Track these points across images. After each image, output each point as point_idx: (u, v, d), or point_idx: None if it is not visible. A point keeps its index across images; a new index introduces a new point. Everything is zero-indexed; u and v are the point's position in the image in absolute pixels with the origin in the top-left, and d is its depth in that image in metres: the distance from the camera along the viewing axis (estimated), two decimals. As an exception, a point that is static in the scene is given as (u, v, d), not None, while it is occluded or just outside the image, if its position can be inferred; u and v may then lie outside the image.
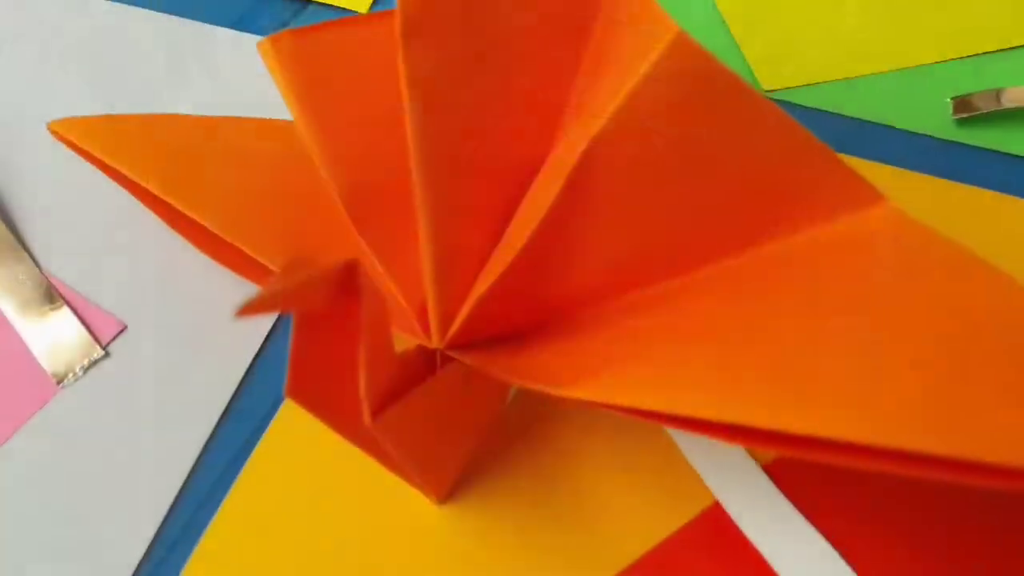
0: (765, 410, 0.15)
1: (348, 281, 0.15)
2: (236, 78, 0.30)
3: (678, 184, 0.17)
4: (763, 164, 0.18)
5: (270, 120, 0.25)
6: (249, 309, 0.14)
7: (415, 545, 0.21)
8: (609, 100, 0.16)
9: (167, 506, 0.21)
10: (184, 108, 0.28)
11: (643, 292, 0.18)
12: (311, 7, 0.32)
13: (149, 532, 0.21)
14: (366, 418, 0.16)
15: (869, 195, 0.18)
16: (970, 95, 0.29)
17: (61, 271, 0.25)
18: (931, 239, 0.17)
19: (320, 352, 0.16)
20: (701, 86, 0.16)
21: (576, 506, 0.20)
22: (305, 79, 0.20)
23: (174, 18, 0.32)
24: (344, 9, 0.32)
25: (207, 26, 0.32)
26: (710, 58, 0.16)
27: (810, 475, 0.21)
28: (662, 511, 0.20)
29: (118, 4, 0.32)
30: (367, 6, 0.32)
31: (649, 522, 0.20)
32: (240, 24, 0.32)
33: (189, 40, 0.31)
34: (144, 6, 0.32)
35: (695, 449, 0.21)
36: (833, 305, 0.17)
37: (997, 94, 0.29)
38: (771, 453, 0.21)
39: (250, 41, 0.31)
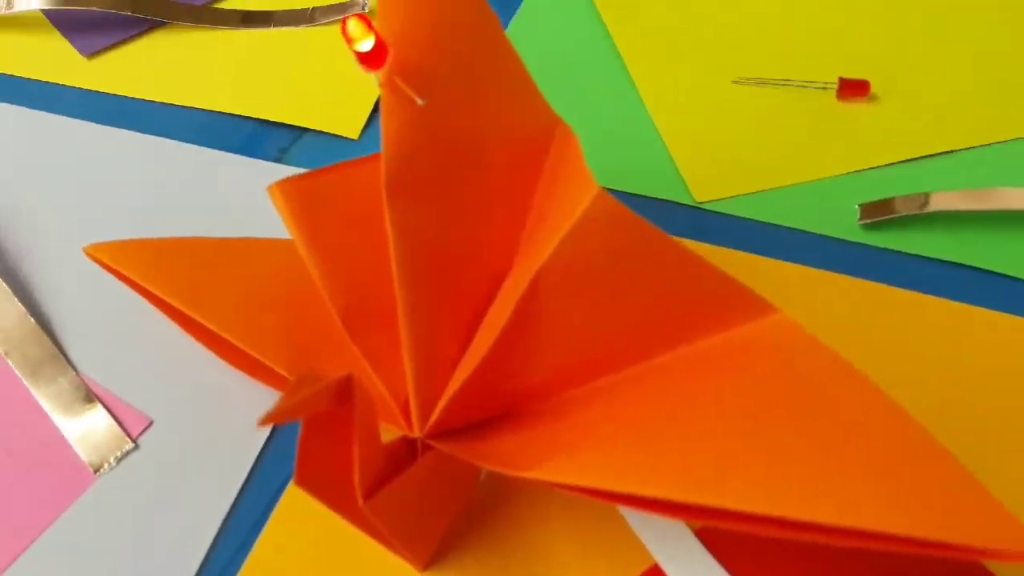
0: (679, 487, 0.20)
1: (345, 392, 0.20)
2: (243, 198, 0.34)
3: (606, 306, 0.22)
4: (671, 288, 0.22)
5: (276, 240, 0.29)
6: (269, 420, 0.18)
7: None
8: (549, 241, 0.21)
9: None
10: (197, 226, 0.33)
11: (582, 389, 0.23)
12: (308, 134, 0.37)
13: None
14: (359, 501, 0.20)
15: (762, 307, 0.23)
16: (892, 199, 0.34)
17: (95, 373, 0.29)
18: (812, 345, 0.22)
19: (322, 448, 0.20)
20: (618, 231, 0.21)
21: (534, 571, 0.24)
22: (308, 218, 0.25)
23: (187, 145, 0.37)
24: (338, 136, 0.37)
25: (217, 152, 0.37)
26: (624, 209, 0.21)
27: (736, 538, 0.25)
28: (607, 573, 0.24)
29: (136, 133, 0.37)
30: (358, 132, 0.37)
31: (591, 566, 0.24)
32: (245, 150, 0.37)
33: (201, 165, 0.36)
34: (160, 135, 0.37)
35: (635, 517, 0.25)
36: (729, 400, 0.21)
37: (924, 198, 0.33)
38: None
39: (256, 165, 0.36)
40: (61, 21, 0.42)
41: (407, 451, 0.23)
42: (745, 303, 0.22)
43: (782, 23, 0.40)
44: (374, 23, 0.21)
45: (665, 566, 0.24)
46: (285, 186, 0.25)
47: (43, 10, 0.41)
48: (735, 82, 0.38)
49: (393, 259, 0.22)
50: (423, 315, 0.23)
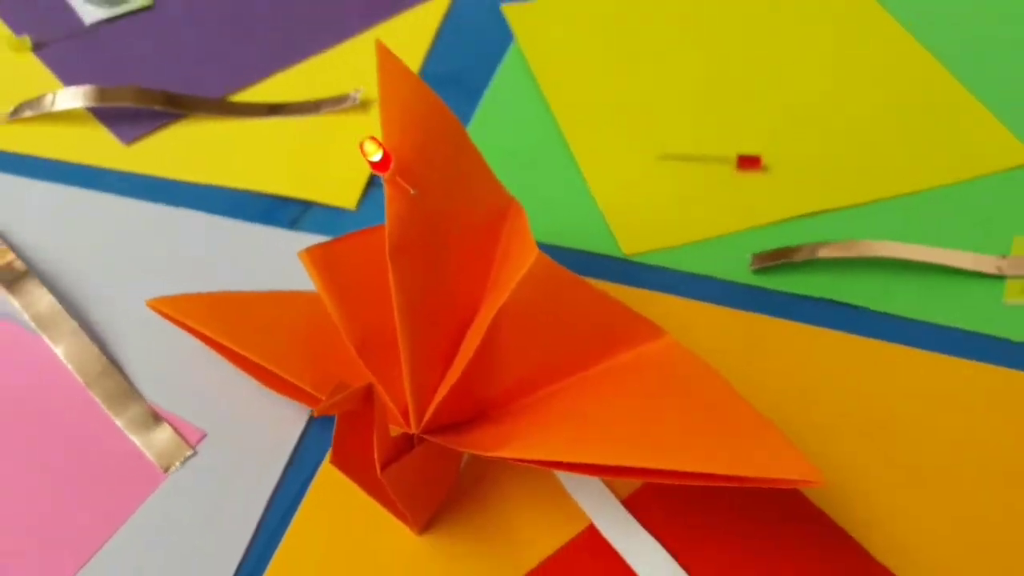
0: (593, 455, 0.29)
1: (368, 395, 0.29)
2: (264, 260, 0.44)
3: (546, 336, 0.32)
4: (592, 322, 0.32)
5: (299, 292, 0.39)
6: (320, 412, 0.27)
7: (404, 560, 0.33)
8: (505, 289, 0.31)
9: (243, 548, 0.34)
10: (226, 281, 0.42)
11: (531, 397, 0.33)
12: (315, 205, 0.47)
13: (232, 566, 0.34)
14: (377, 472, 0.29)
15: (656, 332, 0.33)
16: (778, 249, 0.44)
17: (158, 398, 0.38)
18: (687, 357, 0.32)
19: (350, 436, 0.30)
20: (552, 282, 0.31)
21: (502, 530, 0.34)
22: (329, 275, 0.34)
23: (215, 217, 0.46)
24: (339, 208, 0.47)
25: (241, 222, 0.46)
26: (556, 266, 0.31)
27: (652, 505, 0.35)
28: (555, 529, 0.34)
29: (171, 207, 0.47)
30: (356, 204, 0.47)
31: (546, 537, 0.34)
32: (264, 219, 0.46)
33: (227, 233, 0.45)
34: (191, 208, 0.47)
35: (575, 487, 0.34)
36: (629, 398, 0.31)
37: (801, 249, 0.43)
38: (626, 489, 0.34)
39: (273, 232, 0.45)
40: (101, 114, 0.51)
41: (407, 443, 0.32)
42: (644, 330, 0.32)
43: (694, 112, 0.51)
44: (381, 142, 0.31)
45: (598, 526, 0.34)
46: (311, 251, 0.35)
47: (84, 106, 0.50)
48: (657, 158, 0.48)
49: (395, 304, 0.32)
50: (417, 345, 0.32)
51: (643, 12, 0.57)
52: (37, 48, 0.55)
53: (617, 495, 0.35)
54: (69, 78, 0.53)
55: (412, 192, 0.32)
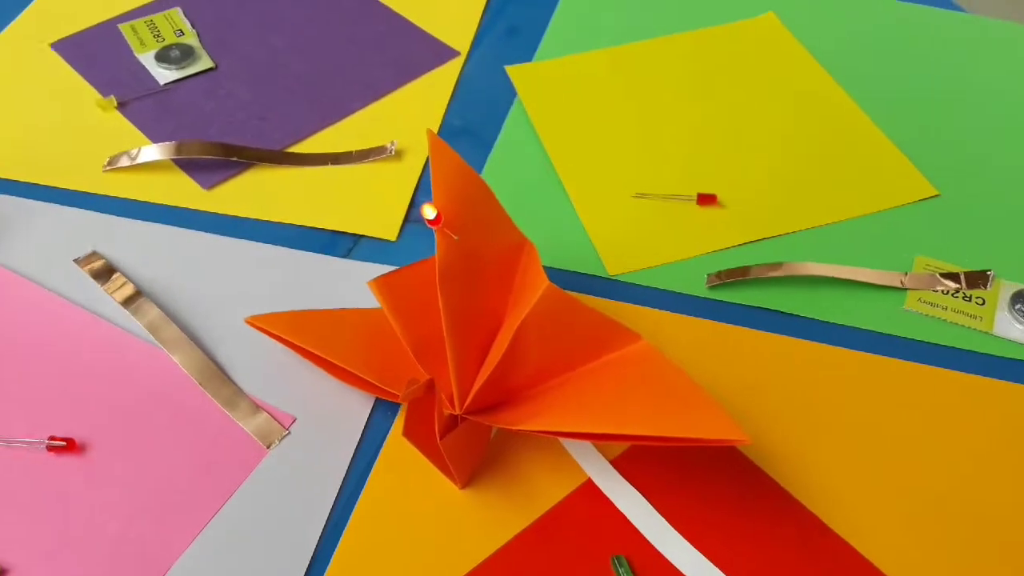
0: (589, 426, 0.42)
1: (430, 386, 0.41)
2: (326, 284, 0.56)
3: (553, 341, 0.44)
4: (586, 331, 0.45)
5: (361, 309, 0.51)
6: (403, 399, 0.40)
7: (450, 508, 0.46)
8: (524, 309, 0.43)
9: (331, 501, 0.46)
10: (296, 302, 0.54)
11: (542, 386, 0.45)
12: (364, 239, 0.59)
13: (317, 531, 0.46)
14: (438, 441, 0.42)
15: (634, 338, 0.45)
16: (736, 269, 0.56)
17: (257, 393, 0.50)
18: (656, 356, 0.45)
19: (417, 416, 0.42)
20: (558, 303, 0.43)
21: (521, 484, 0.46)
22: (391, 296, 0.47)
23: (283, 248, 0.58)
24: (383, 240, 0.59)
25: (304, 252, 0.58)
26: (561, 291, 0.43)
27: (633, 463, 0.47)
28: (561, 483, 0.46)
29: (246, 241, 0.59)
30: (396, 236, 0.59)
31: (554, 489, 0.46)
32: (323, 250, 0.58)
33: (294, 262, 0.58)
34: (263, 242, 0.59)
35: (575, 451, 0.47)
36: (613, 385, 0.44)
37: (756, 269, 0.56)
38: (613, 453, 0.47)
39: (332, 261, 0.57)
40: (182, 163, 0.63)
41: (453, 421, 0.45)
42: (625, 337, 0.45)
43: (664, 159, 0.64)
44: (433, 205, 0.43)
45: (595, 480, 0.46)
46: (377, 281, 0.48)
47: (165, 159, 0.62)
48: (635, 196, 0.61)
49: (443, 318, 0.44)
50: (459, 348, 0.45)
51: (624, 76, 0.70)
52: (121, 106, 0.67)
53: (607, 457, 0.47)
54: (150, 131, 0.65)
55: (455, 238, 0.44)
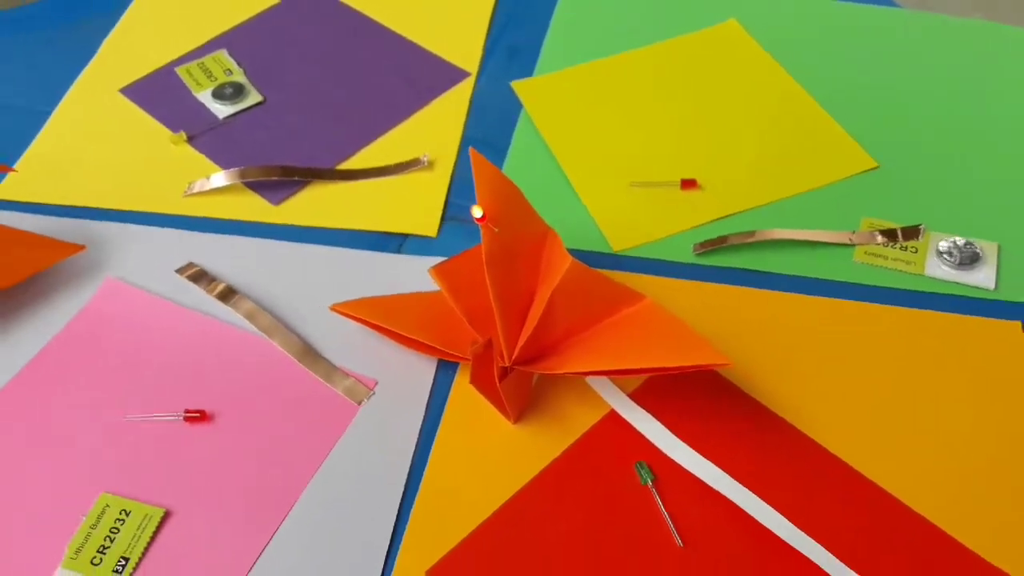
0: (606, 365, 0.56)
1: (489, 344, 0.55)
2: (382, 275, 0.69)
3: (577, 304, 0.58)
4: (603, 294, 0.59)
5: (419, 292, 0.64)
6: (472, 356, 0.53)
7: (505, 438, 0.59)
8: (554, 279, 0.57)
9: (413, 444, 0.60)
10: (360, 290, 0.67)
11: (572, 339, 0.59)
12: (410, 237, 0.72)
13: (406, 464, 0.59)
14: (497, 384, 0.55)
15: (640, 298, 0.59)
16: (717, 238, 0.70)
17: (344, 364, 0.64)
18: (658, 309, 0.58)
19: (480, 366, 0.56)
20: (580, 273, 0.57)
21: (558, 416, 0.60)
22: (448, 279, 0.60)
23: (342, 249, 0.72)
24: (425, 236, 0.72)
25: (361, 251, 0.71)
26: (582, 265, 0.57)
27: (647, 395, 0.61)
28: (589, 413, 0.60)
29: (312, 245, 0.72)
30: (436, 232, 0.72)
31: (585, 418, 0.60)
32: (377, 248, 0.72)
33: (353, 259, 0.71)
34: (326, 245, 0.72)
35: (599, 386, 0.61)
36: (627, 332, 0.57)
37: (733, 237, 0.70)
38: (630, 387, 0.61)
39: (386, 256, 0.71)
40: (251, 186, 0.76)
41: (504, 371, 0.58)
42: (632, 297, 0.59)
43: (652, 153, 0.77)
44: (479, 206, 0.57)
45: (618, 409, 0.60)
46: (436, 268, 0.61)
47: (234, 182, 0.75)
48: (630, 185, 0.74)
49: (490, 293, 0.58)
50: (504, 315, 0.58)
51: (612, 83, 0.83)
52: (190, 140, 0.80)
53: (624, 391, 0.61)
54: (218, 160, 0.78)
55: (496, 231, 0.58)
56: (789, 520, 0.54)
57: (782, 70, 0.84)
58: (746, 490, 0.55)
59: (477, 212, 0.56)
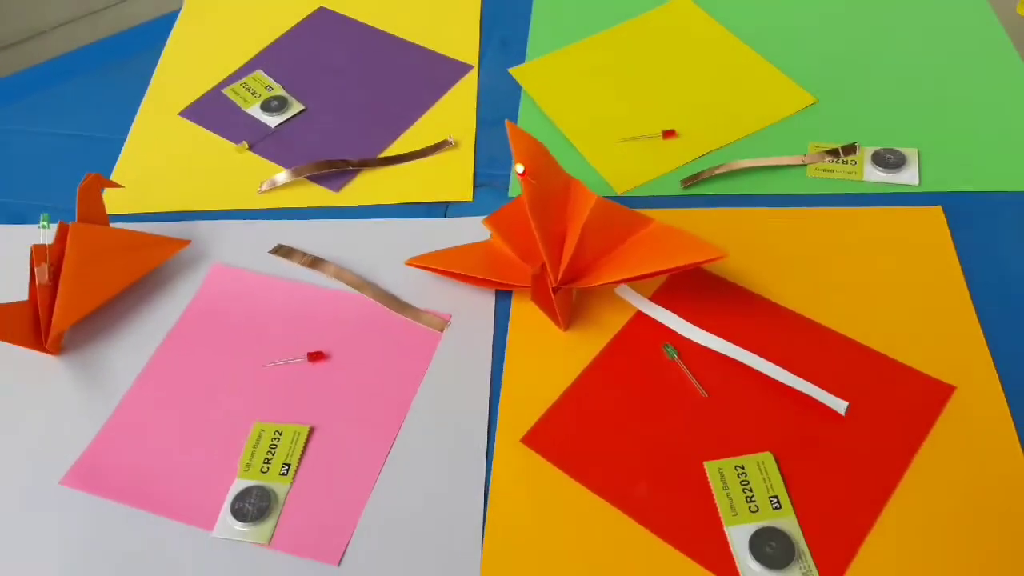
0: (632, 272, 0.74)
1: (543, 269, 0.73)
2: (433, 235, 0.87)
3: (603, 232, 0.76)
4: (621, 222, 0.77)
5: (478, 243, 0.82)
6: (533, 276, 0.71)
7: (557, 341, 0.77)
8: (583, 214, 0.75)
9: (489, 359, 0.77)
10: (417, 248, 0.84)
11: (602, 259, 0.77)
12: (451, 204, 0.90)
13: (487, 370, 0.77)
14: (552, 296, 0.73)
15: (649, 221, 0.78)
16: (696, 174, 0.88)
17: (423, 305, 0.81)
18: (663, 227, 0.77)
19: (537, 287, 0.74)
20: (604, 207, 0.75)
21: (595, 320, 0.78)
22: (499, 226, 0.78)
23: (396, 220, 0.89)
24: (463, 201, 0.89)
25: (413, 220, 0.88)
26: (605, 200, 0.75)
27: (664, 296, 0.79)
28: (620, 315, 0.78)
29: (371, 220, 0.89)
30: (471, 197, 0.90)
31: (618, 319, 0.78)
32: (426, 215, 0.89)
33: (406, 227, 0.88)
34: (384, 218, 0.89)
35: (627, 295, 0.79)
36: (646, 246, 0.76)
37: (709, 171, 0.88)
38: (650, 290, 0.79)
39: (434, 221, 0.88)
40: (312, 179, 0.93)
41: (553, 291, 0.76)
42: (644, 221, 0.78)
43: (638, 111, 0.95)
44: (520, 163, 0.74)
45: (643, 310, 0.78)
46: (489, 218, 0.79)
47: (297, 178, 0.92)
48: (622, 141, 0.93)
49: (535, 231, 0.75)
50: (548, 248, 0.76)
51: (593, 59, 1.02)
52: (251, 148, 0.96)
53: (645, 295, 0.79)
54: (279, 161, 0.95)
55: (533, 183, 0.75)
56: (778, 365, 0.73)
57: (730, 34, 1.03)
58: (744, 350, 0.74)
59: (519, 168, 0.74)
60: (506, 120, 0.79)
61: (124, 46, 1.11)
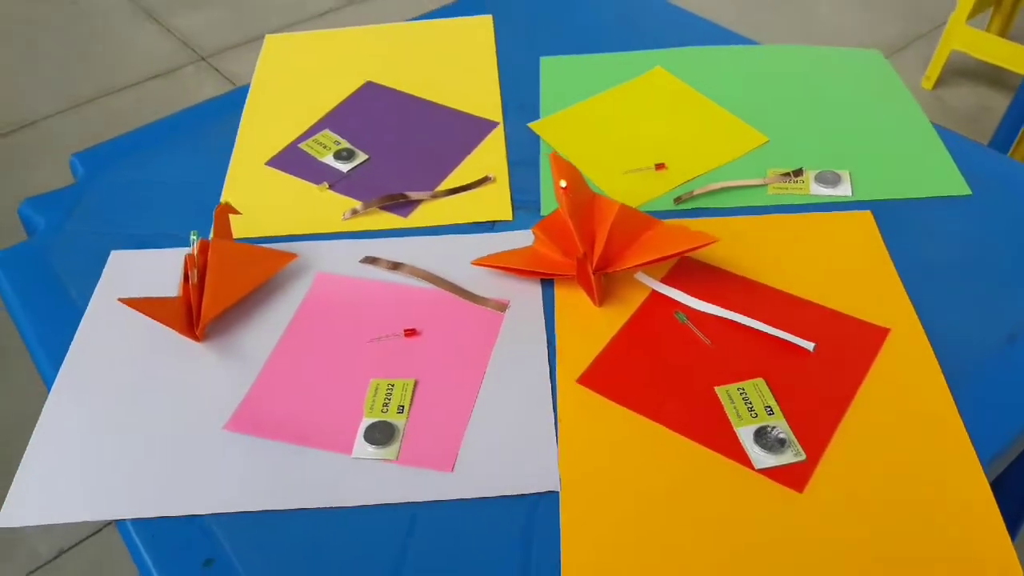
0: (647, 258, 1.00)
1: (585, 258, 0.99)
2: (487, 246, 1.12)
3: (625, 229, 1.03)
4: (637, 223, 1.04)
5: (527, 247, 1.08)
6: (578, 262, 0.97)
7: (592, 315, 1.03)
8: (610, 217, 1.02)
9: (543, 326, 1.02)
10: (474, 254, 1.09)
11: (628, 249, 1.03)
12: (497, 222, 1.15)
13: (543, 340, 1.02)
14: (591, 276, 0.99)
15: (658, 222, 1.04)
16: (684, 194, 1.16)
17: (486, 294, 1.06)
18: (667, 226, 1.04)
19: (580, 271, 1.00)
20: (626, 212, 1.02)
21: (620, 297, 1.04)
22: (545, 231, 1.04)
23: (453, 236, 1.14)
24: (504, 220, 1.15)
25: (467, 235, 1.14)
26: (626, 206, 1.02)
27: (674, 278, 1.05)
28: (638, 294, 1.04)
29: (432, 236, 1.14)
30: (511, 216, 1.16)
31: (637, 297, 1.04)
32: (475, 232, 1.14)
33: (465, 241, 1.13)
34: (442, 235, 1.14)
35: (644, 279, 1.05)
36: (657, 239, 1.02)
37: (690, 193, 1.16)
38: (661, 273, 1.05)
39: (484, 236, 1.14)
40: (384, 208, 1.18)
41: (593, 272, 1.02)
42: (655, 222, 1.04)
43: (636, 150, 1.24)
44: (562, 180, 1.01)
45: (652, 286, 1.04)
46: (538, 225, 1.05)
47: (369, 209, 1.17)
48: (625, 173, 1.20)
49: (573, 231, 1.01)
50: (585, 244, 1.02)
51: (595, 113, 1.30)
52: (331, 187, 1.21)
53: (657, 278, 1.05)
54: (355, 196, 1.20)
55: (571, 195, 1.02)
56: (760, 321, 0.99)
57: (699, 93, 1.33)
58: (734, 312, 1.00)
59: (563, 184, 1.01)
60: (551, 152, 1.06)
61: (206, 114, 1.36)
